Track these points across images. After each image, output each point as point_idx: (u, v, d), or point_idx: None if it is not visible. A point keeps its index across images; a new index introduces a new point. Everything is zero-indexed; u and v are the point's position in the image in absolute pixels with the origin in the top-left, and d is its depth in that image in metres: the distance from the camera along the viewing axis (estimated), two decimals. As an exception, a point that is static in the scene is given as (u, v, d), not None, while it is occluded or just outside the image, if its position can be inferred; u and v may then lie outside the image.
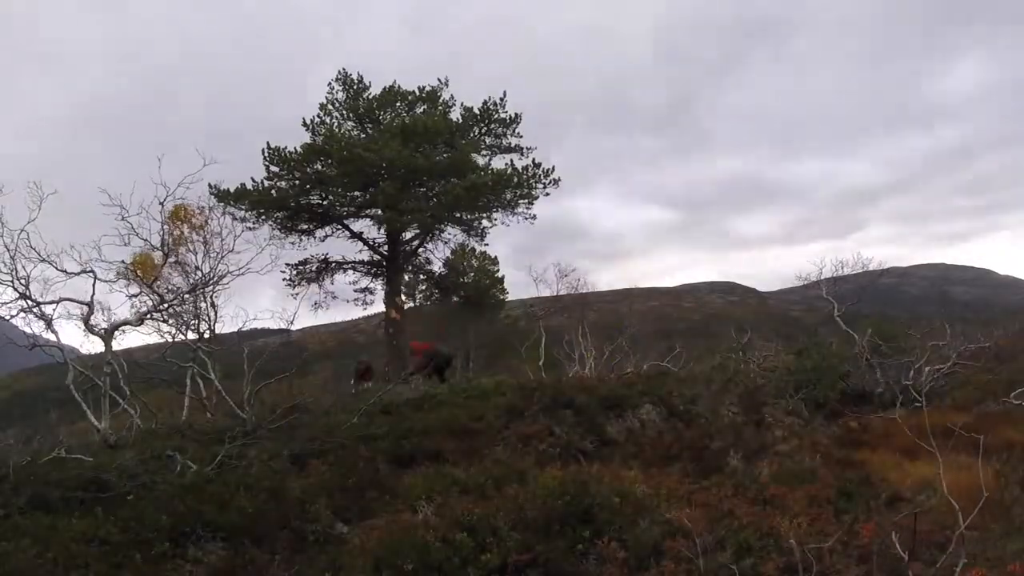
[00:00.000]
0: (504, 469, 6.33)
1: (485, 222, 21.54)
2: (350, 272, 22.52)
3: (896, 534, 3.17)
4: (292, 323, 12.45)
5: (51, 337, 10.32)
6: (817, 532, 3.92)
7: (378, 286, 22.82)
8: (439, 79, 21.02)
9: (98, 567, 4.59)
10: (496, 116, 20.59)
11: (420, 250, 22.77)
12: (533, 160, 20.33)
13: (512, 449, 7.88)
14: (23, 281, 10.11)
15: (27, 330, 10.63)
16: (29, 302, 10.16)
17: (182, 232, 11.74)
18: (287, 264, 21.14)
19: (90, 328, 10.76)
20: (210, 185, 11.41)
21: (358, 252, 22.28)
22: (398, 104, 20.95)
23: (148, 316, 11.50)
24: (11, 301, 10.04)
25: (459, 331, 27.77)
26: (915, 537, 3.20)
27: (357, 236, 21.66)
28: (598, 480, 4.80)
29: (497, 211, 20.96)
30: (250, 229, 15.94)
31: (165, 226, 11.33)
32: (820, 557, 3.40)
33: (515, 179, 19.89)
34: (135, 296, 11.54)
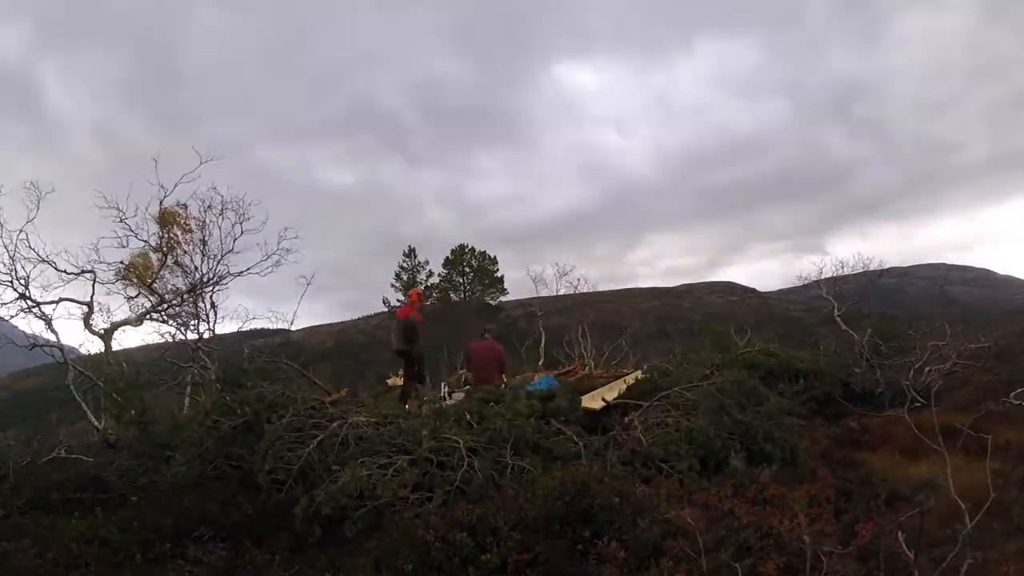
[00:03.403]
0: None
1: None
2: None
3: (902, 534, 3.17)
4: (292, 323, 12.51)
5: (51, 337, 10.36)
6: (817, 532, 3.92)
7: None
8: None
9: (98, 567, 4.59)
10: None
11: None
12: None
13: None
14: (23, 281, 10.16)
15: (27, 330, 10.67)
16: (29, 302, 10.20)
17: (175, 235, 11.74)
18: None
19: (90, 328, 10.79)
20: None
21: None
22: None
23: (147, 316, 11.54)
24: (11, 301, 10.08)
25: (458, 331, 27.76)
26: (921, 537, 3.20)
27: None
28: (598, 480, 4.80)
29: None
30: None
31: (161, 229, 11.39)
32: (820, 557, 3.40)
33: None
34: (133, 298, 11.59)
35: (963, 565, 2.94)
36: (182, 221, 11.79)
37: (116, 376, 9.21)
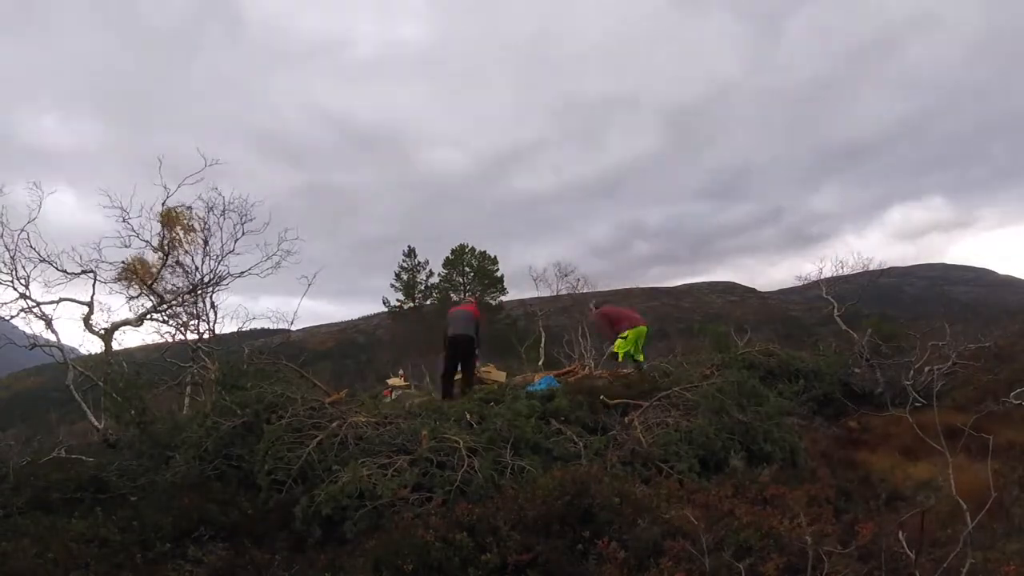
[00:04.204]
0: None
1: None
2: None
3: (903, 533, 3.17)
4: (292, 323, 12.51)
5: (51, 337, 10.36)
6: (817, 532, 3.92)
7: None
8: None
9: (98, 567, 4.59)
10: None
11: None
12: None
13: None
14: (23, 281, 10.15)
15: (27, 330, 10.67)
16: (29, 302, 10.20)
17: (177, 235, 11.73)
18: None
19: (90, 328, 10.79)
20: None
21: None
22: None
23: (148, 316, 11.54)
24: (11, 301, 10.08)
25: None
26: (922, 536, 3.20)
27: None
28: (598, 480, 4.80)
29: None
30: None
31: (164, 229, 11.39)
32: (821, 557, 3.39)
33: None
34: (135, 298, 11.59)
35: (964, 565, 2.93)
36: (185, 221, 11.78)
37: (116, 376, 9.20)
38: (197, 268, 11.92)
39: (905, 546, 3.06)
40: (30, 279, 10.25)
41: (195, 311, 12.07)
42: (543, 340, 17.18)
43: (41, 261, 10.29)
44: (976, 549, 3.32)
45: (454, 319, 9.59)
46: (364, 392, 11.48)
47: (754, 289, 70.41)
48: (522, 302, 35.87)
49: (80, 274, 10.64)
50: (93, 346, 11.11)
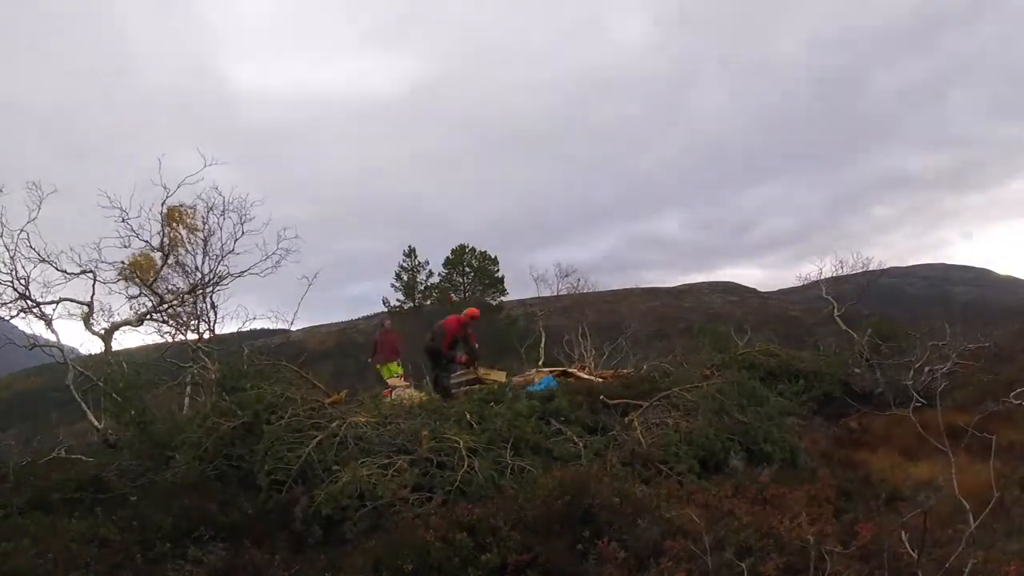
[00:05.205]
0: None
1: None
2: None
3: (905, 533, 3.17)
4: (292, 323, 12.51)
5: (51, 337, 10.36)
6: (817, 532, 3.91)
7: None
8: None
9: (98, 567, 4.59)
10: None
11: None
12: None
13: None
14: (23, 281, 10.14)
15: (27, 330, 10.68)
16: (29, 302, 10.19)
17: (179, 234, 11.73)
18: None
19: (90, 328, 10.79)
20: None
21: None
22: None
23: (148, 316, 11.54)
24: (11, 301, 10.07)
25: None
26: (924, 536, 3.20)
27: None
28: (598, 480, 4.80)
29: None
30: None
31: (165, 228, 11.39)
32: (823, 556, 3.39)
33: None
34: (135, 298, 11.59)
35: (966, 565, 2.93)
36: (188, 220, 11.77)
37: (116, 376, 9.19)
38: (197, 268, 11.93)
39: (908, 546, 3.06)
40: (30, 279, 10.25)
41: (195, 311, 12.07)
42: (543, 340, 17.16)
43: (41, 261, 10.29)
44: (977, 549, 3.32)
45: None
46: (364, 392, 11.46)
47: (754, 289, 70.39)
48: (522, 302, 35.82)
49: (79, 274, 10.64)
50: (93, 346, 11.12)
